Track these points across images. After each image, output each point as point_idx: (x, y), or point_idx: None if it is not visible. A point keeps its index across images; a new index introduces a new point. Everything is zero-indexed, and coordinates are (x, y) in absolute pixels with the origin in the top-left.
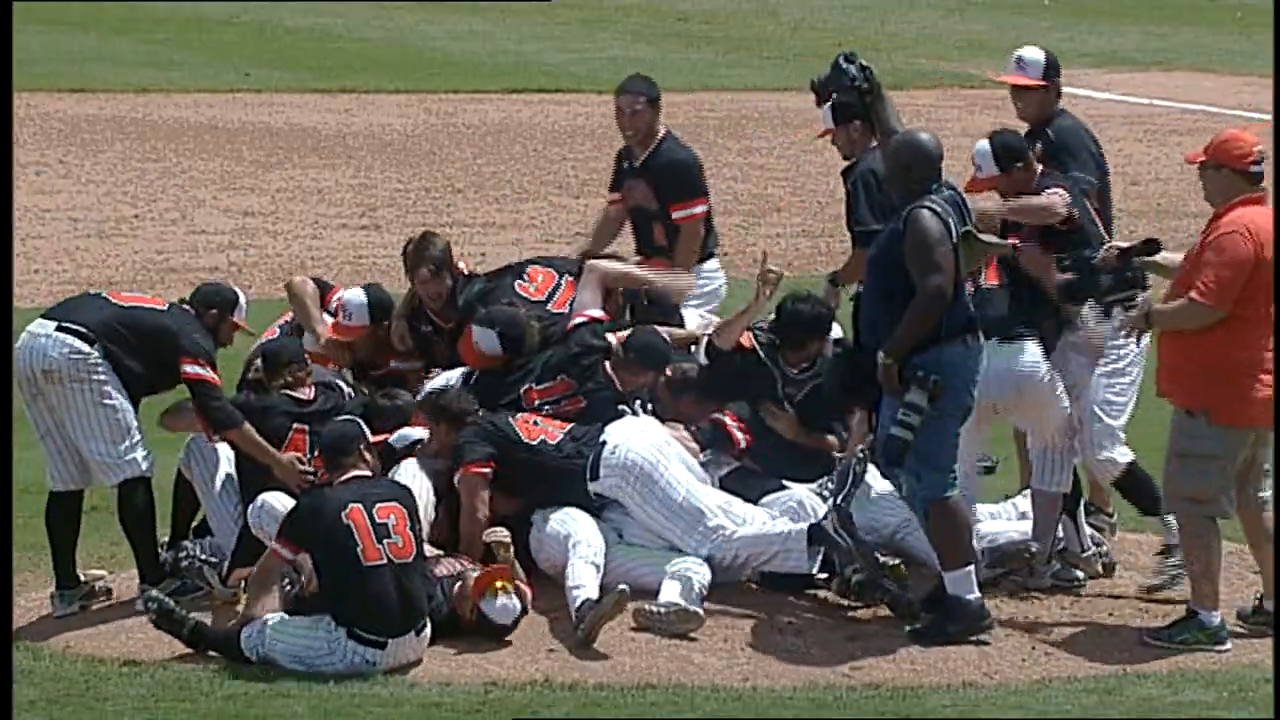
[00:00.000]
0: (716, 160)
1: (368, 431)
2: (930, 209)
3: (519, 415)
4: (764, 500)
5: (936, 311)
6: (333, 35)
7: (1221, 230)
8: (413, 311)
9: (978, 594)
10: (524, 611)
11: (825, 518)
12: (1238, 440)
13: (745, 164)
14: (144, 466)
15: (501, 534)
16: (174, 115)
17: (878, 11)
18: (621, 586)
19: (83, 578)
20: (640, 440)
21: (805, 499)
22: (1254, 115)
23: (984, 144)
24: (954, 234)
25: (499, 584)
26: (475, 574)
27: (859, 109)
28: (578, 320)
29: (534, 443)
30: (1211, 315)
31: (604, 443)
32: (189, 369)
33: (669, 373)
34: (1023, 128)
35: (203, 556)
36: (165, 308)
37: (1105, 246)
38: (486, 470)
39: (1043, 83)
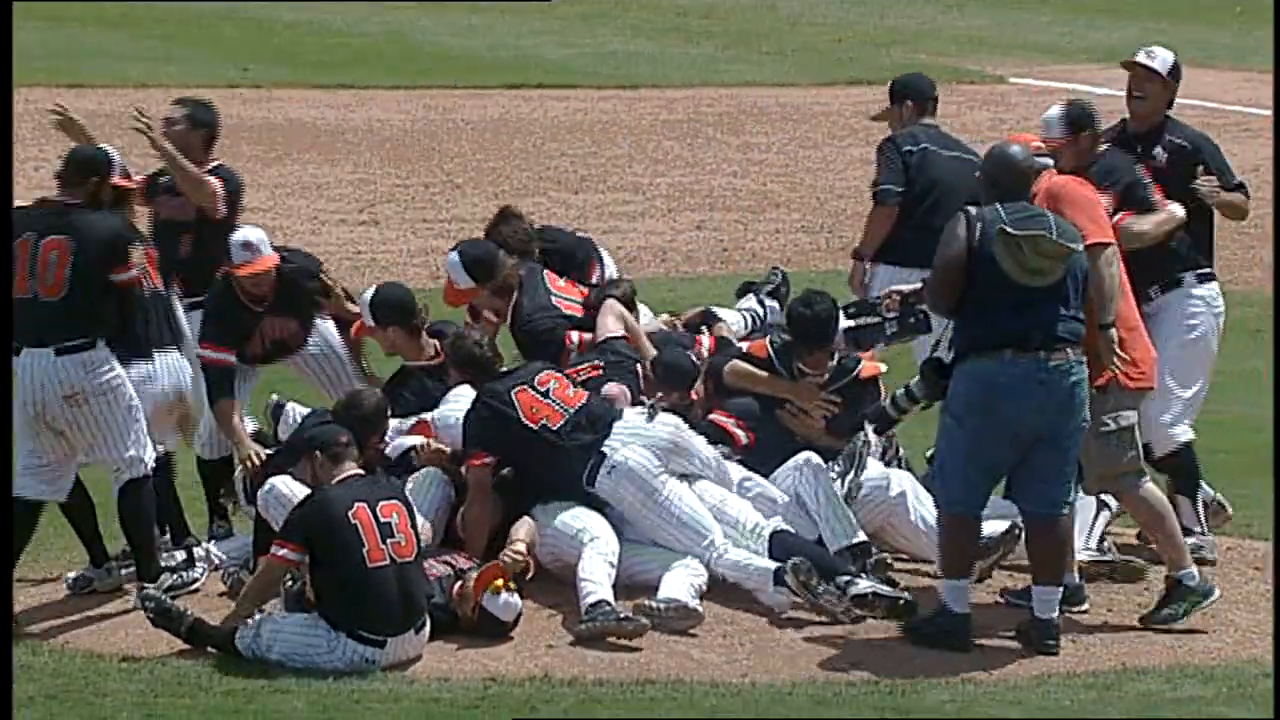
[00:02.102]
0: (716, 156)
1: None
2: (964, 213)
3: (525, 390)
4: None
5: (934, 309)
6: (332, 30)
7: (1055, 187)
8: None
9: (967, 609)
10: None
11: (789, 565)
12: (1140, 401)
13: (744, 159)
14: (149, 465)
15: (519, 551)
16: None
17: (877, 6)
18: (644, 621)
19: (72, 575)
20: (639, 450)
21: (811, 457)
22: (1253, 111)
23: (1055, 109)
24: (974, 239)
25: (500, 581)
26: (475, 573)
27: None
28: (608, 335)
29: (535, 426)
30: (1115, 251)
31: (603, 454)
32: (122, 277)
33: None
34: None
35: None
36: (70, 245)
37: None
38: (489, 461)
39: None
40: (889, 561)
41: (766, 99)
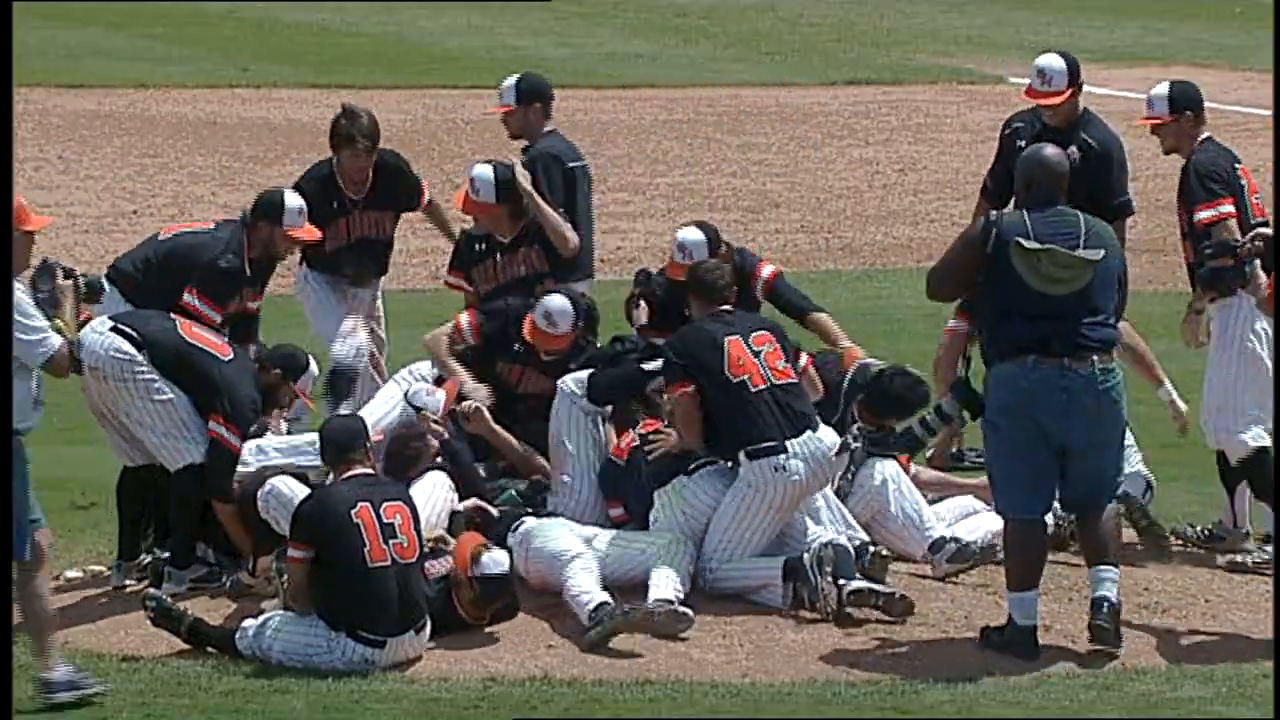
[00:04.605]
0: (715, 156)
1: (370, 430)
2: (986, 217)
3: (739, 340)
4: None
5: (933, 295)
6: (331, 30)
7: None
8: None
9: (1034, 621)
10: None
11: (805, 553)
12: None
13: (744, 160)
14: (199, 456)
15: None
16: (172, 111)
17: (876, 6)
18: (649, 607)
19: (81, 574)
20: (810, 467)
21: (886, 469)
22: (1253, 111)
23: (1162, 87)
24: (988, 244)
25: (477, 547)
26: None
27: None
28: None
29: (734, 379)
30: None
31: (821, 439)
32: (214, 426)
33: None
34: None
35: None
36: (228, 359)
37: (1253, 235)
38: (690, 390)
39: (1069, 92)
40: (884, 554)
41: (766, 99)
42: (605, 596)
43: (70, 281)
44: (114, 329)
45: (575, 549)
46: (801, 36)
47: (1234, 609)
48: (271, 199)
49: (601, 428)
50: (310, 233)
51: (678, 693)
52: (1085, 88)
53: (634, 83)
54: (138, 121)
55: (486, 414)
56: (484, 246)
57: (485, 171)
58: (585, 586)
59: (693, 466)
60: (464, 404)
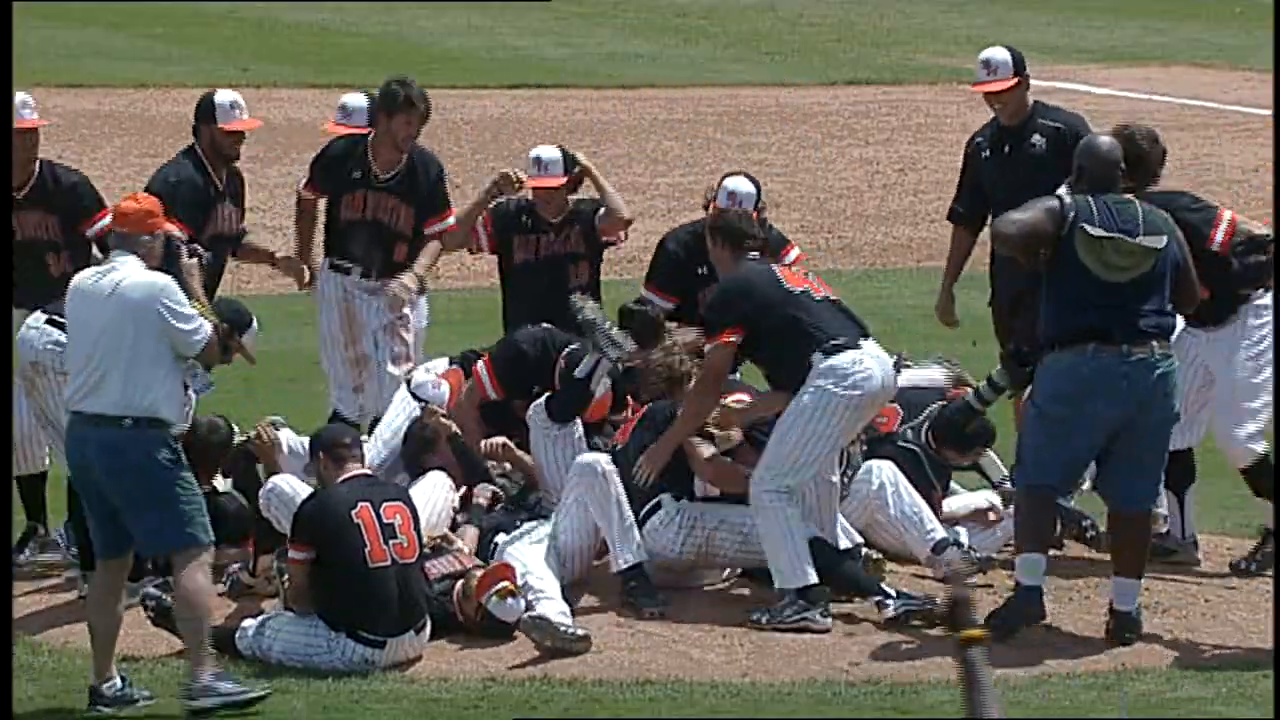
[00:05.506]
0: (715, 156)
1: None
2: (1059, 197)
3: (780, 267)
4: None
5: (998, 243)
6: (331, 30)
7: None
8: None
9: (1039, 583)
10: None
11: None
12: None
13: (744, 159)
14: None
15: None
16: (172, 110)
17: (876, 6)
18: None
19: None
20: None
21: (884, 469)
22: (1253, 110)
23: (1000, 50)
24: (1063, 227)
25: (504, 584)
26: (478, 574)
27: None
28: None
29: (794, 290)
30: None
31: (860, 365)
32: None
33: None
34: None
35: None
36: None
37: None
38: (734, 339)
39: (1015, 81)
40: (874, 557)
41: (766, 99)
42: (562, 613)
43: (195, 260)
44: (49, 321)
45: (537, 573)
46: (801, 36)
47: (1234, 609)
48: (203, 102)
49: (581, 445)
50: (248, 123)
51: (678, 693)
52: (1085, 88)
53: (634, 83)
54: (138, 121)
55: (513, 447)
56: (530, 221)
57: (551, 150)
58: (554, 611)
59: (641, 516)
60: (491, 439)
